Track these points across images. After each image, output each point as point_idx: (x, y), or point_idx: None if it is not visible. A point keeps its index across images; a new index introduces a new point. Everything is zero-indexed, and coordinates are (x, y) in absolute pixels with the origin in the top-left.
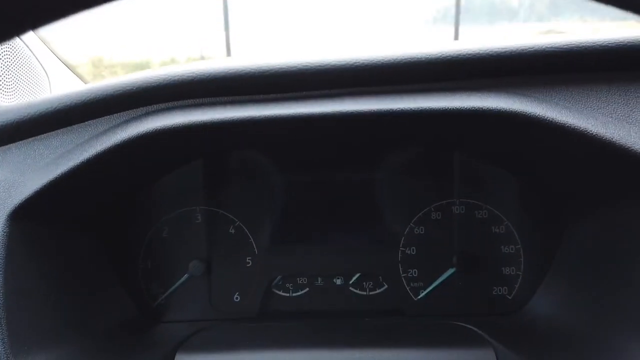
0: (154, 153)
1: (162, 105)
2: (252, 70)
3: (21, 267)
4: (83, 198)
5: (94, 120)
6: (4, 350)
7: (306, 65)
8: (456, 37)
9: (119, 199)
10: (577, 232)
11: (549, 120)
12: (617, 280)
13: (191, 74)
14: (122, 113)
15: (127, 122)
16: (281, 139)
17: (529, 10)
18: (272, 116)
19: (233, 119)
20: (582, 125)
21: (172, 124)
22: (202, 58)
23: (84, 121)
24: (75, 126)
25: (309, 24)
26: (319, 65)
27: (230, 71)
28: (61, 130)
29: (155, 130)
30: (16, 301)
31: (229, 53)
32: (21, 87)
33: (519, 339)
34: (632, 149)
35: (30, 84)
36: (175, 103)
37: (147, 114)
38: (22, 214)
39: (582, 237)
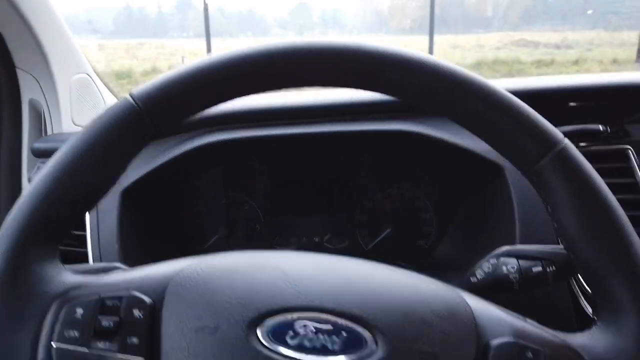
0: (204, 156)
1: (216, 127)
2: (274, 107)
3: (125, 224)
4: (161, 184)
5: (177, 136)
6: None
7: (306, 104)
8: (430, 45)
9: (177, 185)
10: (462, 204)
11: (432, 136)
12: (484, 230)
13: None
14: (196, 131)
15: (196, 136)
16: (283, 149)
17: (502, 20)
18: (288, 134)
19: (269, 135)
20: (450, 139)
21: (232, 137)
22: None
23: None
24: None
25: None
26: (315, 104)
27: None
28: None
29: (217, 141)
30: (123, 245)
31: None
32: (89, 111)
33: (429, 268)
34: (473, 150)
35: (95, 109)
36: (225, 126)
37: (210, 132)
38: (127, 193)
39: (464, 207)
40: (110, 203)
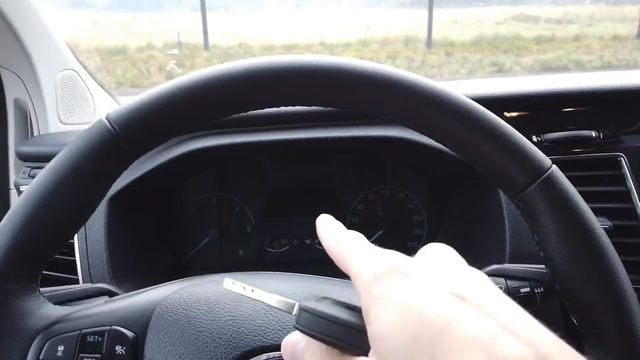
0: (194, 161)
1: (206, 132)
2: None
3: (113, 231)
4: (149, 189)
5: None
6: (110, 280)
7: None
8: (430, 20)
9: (166, 189)
10: (453, 206)
11: (421, 143)
12: (475, 233)
13: None
14: (184, 136)
15: (183, 142)
16: (273, 151)
17: None
18: (280, 139)
19: (260, 141)
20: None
21: (222, 142)
22: (180, 43)
23: None
24: None
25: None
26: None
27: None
28: None
29: (207, 147)
30: (111, 252)
31: (205, 39)
32: (76, 108)
33: None
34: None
35: (82, 105)
36: (215, 130)
37: (200, 137)
38: (114, 200)
39: (455, 209)
40: (97, 211)
